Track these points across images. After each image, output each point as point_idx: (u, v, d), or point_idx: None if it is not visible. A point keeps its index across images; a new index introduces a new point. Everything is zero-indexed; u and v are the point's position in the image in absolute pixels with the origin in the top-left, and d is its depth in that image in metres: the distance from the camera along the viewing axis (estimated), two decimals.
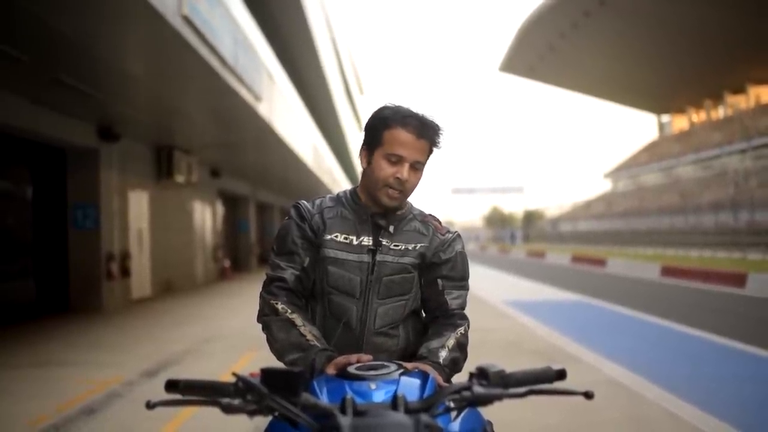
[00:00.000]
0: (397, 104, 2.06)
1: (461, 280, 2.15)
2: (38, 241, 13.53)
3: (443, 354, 1.96)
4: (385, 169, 2.00)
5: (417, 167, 2.02)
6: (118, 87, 10.48)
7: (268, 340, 2.01)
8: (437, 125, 2.03)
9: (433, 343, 2.00)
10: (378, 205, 2.07)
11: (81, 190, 13.05)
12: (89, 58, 8.63)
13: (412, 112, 2.02)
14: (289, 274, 2.04)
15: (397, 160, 1.99)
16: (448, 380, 1.95)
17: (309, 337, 1.93)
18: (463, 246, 2.19)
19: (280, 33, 21.37)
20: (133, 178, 14.70)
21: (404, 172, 1.98)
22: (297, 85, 21.94)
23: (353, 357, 1.80)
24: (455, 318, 2.10)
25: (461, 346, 2.04)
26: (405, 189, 2.02)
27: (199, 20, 8.46)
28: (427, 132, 2.00)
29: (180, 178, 16.32)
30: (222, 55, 9.69)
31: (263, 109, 13.15)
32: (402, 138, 1.98)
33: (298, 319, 1.97)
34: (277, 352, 1.99)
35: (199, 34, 8.57)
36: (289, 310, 1.98)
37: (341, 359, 1.81)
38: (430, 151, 2.06)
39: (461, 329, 2.07)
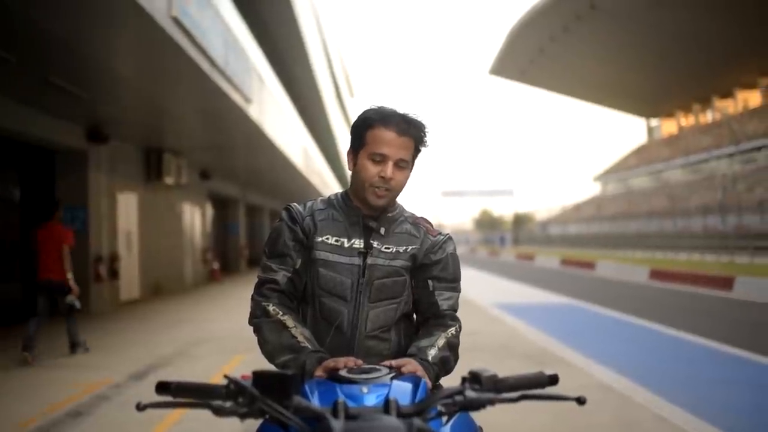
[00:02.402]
0: (380, 105, 2.06)
1: (453, 282, 2.14)
2: (26, 242, 13.44)
3: (432, 352, 1.95)
4: (370, 169, 1.99)
5: (402, 165, 2.01)
6: (107, 88, 10.44)
7: (260, 342, 2.00)
8: (420, 122, 2.03)
9: (423, 342, 1.99)
10: (368, 207, 2.06)
11: (69, 192, 12.96)
12: (78, 59, 8.59)
13: (394, 111, 2.02)
14: (281, 276, 2.03)
15: (380, 159, 1.98)
16: (436, 380, 1.95)
17: (300, 338, 1.92)
18: (455, 248, 2.18)
19: (270, 35, 21.33)
20: (122, 180, 14.64)
21: (388, 170, 1.98)
22: (287, 87, 21.92)
23: (341, 361, 1.79)
24: (446, 318, 2.09)
25: (451, 346, 2.02)
26: (391, 188, 2.01)
27: (188, 22, 8.43)
28: (409, 129, 2.00)
29: (169, 180, 16.26)
30: (212, 57, 9.67)
31: (253, 111, 13.12)
32: (384, 136, 1.98)
33: (289, 321, 1.96)
34: (268, 354, 1.98)
35: (188, 35, 8.55)
36: (281, 312, 1.97)
37: (330, 362, 1.80)
38: (417, 150, 2.05)
39: (452, 330, 2.06)
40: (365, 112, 2.05)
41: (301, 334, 1.93)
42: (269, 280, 2.03)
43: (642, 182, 67.44)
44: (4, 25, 7.13)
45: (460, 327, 2.10)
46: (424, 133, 2.05)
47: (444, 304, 2.10)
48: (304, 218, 2.07)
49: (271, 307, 1.98)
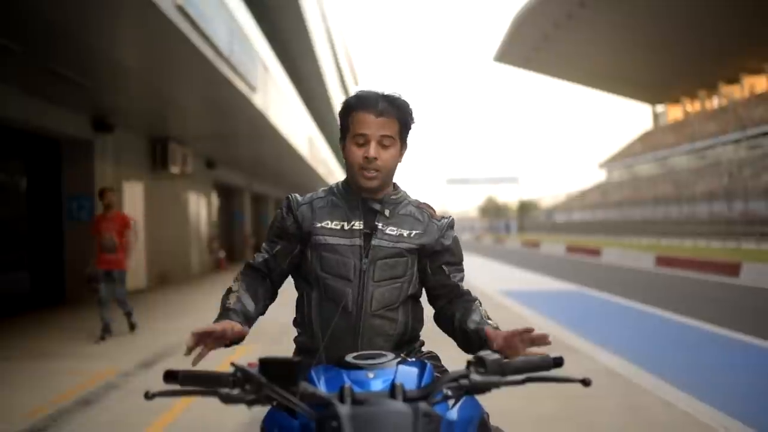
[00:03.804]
0: (360, 90, 2.11)
1: (460, 263, 2.23)
2: (33, 232, 13.49)
3: (491, 322, 2.05)
4: (355, 152, 2.04)
5: (386, 143, 2.04)
6: (112, 77, 10.43)
7: None
8: (400, 99, 2.07)
9: (475, 316, 2.07)
10: (365, 191, 2.08)
11: (76, 182, 13.00)
12: (83, 48, 8.58)
13: (372, 92, 2.06)
14: (260, 257, 2.15)
15: (363, 141, 2.02)
16: None
17: (231, 301, 2.01)
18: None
19: (274, 23, 21.28)
20: (128, 170, 14.65)
21: (371, 150, 2.01)
22: (292, 75, 21.87)
23: (218, 326, 1.91)
24: (468, 294, 2.18)
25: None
26: (379, 167, 2.03)
27: (193, 10, 8.41)
28: (386, 107, 2.03)
29: (175, 169, 16.26)
30: (217, 46, 9.64)
31: (258, 100, 13.10)
32: (363, 118, 2.02)
33: (235, 285, 2.07)
34: None
35: (193, 24, 8.53)
36: (237, 281, 2.09)
37: (200, 327, 1.89)
38: (403, 127, 2.08)
39: (478, 302, 2.14)
40: (346, 99, 2.11)
41: (236, 298, 2.02)
42: (250, 263, 2.16)
43: (648, 169, 67.24)
44: (9, 14, 7.12)
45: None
46: (407, 109, 2.08)
47: (460, 284, 2.19)
48: (299, 206, 2.12)
49: (233, 283, 2.09)
